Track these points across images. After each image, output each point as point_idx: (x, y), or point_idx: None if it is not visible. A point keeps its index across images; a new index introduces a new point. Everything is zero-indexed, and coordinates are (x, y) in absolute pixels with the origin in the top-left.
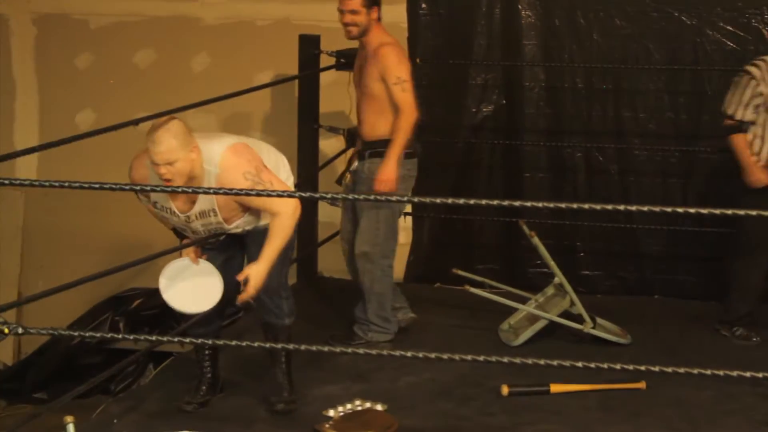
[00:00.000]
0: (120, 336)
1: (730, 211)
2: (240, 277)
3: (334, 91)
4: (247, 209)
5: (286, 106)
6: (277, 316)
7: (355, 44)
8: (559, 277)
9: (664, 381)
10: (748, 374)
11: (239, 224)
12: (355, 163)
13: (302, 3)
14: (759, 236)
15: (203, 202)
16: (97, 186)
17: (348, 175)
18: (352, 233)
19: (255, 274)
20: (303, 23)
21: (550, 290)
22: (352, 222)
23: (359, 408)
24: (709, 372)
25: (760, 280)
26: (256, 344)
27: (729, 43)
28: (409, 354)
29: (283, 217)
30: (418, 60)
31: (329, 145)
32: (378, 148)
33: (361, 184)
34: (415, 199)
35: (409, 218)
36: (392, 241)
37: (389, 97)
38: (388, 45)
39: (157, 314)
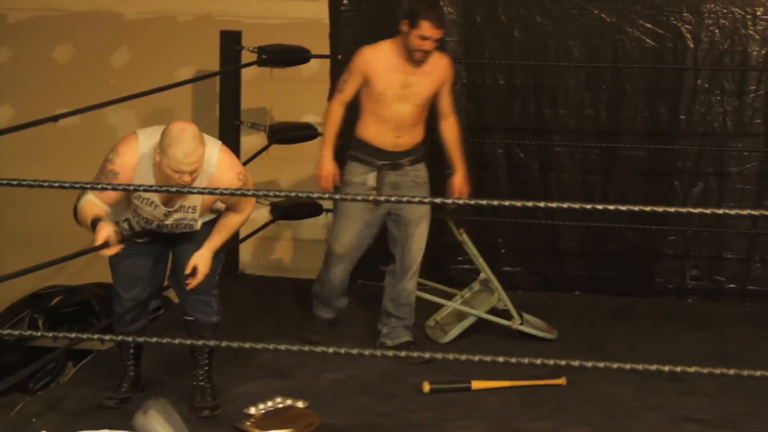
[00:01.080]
0: (39, 334)
1: (648, 208)
2: (188, 267)
3: (256, 87)
4: (220, 209)
5: (208, 103)
6: (206, 313)
7: (276, 39)
8: (487, 274)
9: (586, 377)
10: (666, 368)
11: (202, 221)
12: (390, 176)
13: None
14: None
15: (191, 199)
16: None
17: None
18: (362, 248)
19: (203, 260)
20: (224, 19)
21: (476, 286)
22: (374, 236)
23: (280, 405)
24: (628, 366)
25: None
26: (177, 341)
27: (648, 40)
28: (330, 350)
29: (243, 216)
30: (339, 56)
31: (251, 141)
32: (419, 153)
33: (415, 188)
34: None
35: (331, 215)
36: None
37: (431, 106)
38: (448, 57)
39: (77, 311)
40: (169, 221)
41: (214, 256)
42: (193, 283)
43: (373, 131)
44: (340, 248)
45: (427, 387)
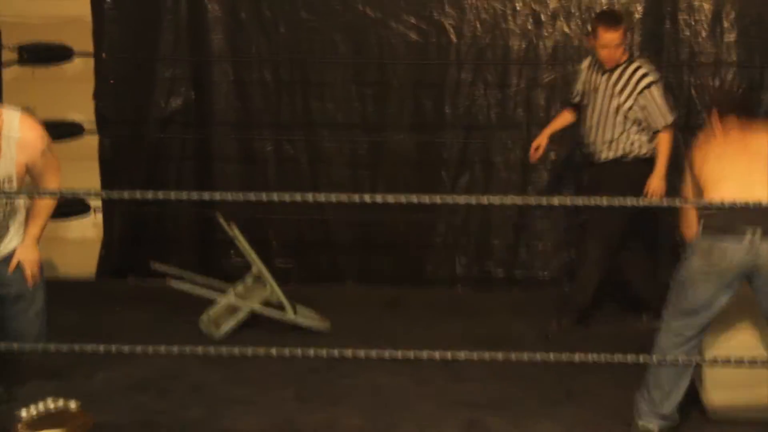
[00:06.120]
0: None
1: (415, 199)
2: (12, 266)
3: (18, 86)
4: (29, 180)
5: None
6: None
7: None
8: (258, 267)
9: (359, 367)
10: (437, 355)
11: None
12: None
13: None
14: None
15: (4, 170)
16: None
17: None
18: None
19: (30, 256)
20: None
21: (249, 280)
22: None
23: (51, 407)
24: (399, 355)
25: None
26: None
27: (412, 35)
28: (101, 348)
29: (52, 187)
30: (104, 55)
31: None
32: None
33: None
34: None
35: (99, 214)
36: None
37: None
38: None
39: None
40: None
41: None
42: (31, 280)
43: None
44: None
45: None
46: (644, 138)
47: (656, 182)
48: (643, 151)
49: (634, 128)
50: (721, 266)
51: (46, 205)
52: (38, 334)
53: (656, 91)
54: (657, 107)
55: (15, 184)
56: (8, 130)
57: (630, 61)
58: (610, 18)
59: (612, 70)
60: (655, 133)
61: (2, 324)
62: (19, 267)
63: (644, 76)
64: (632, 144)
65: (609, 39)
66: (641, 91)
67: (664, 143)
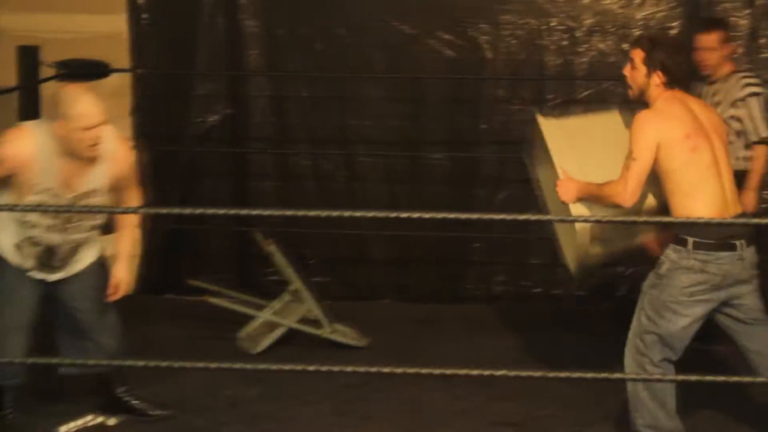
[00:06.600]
0: None
1: (453, 216)
2: (114, 286)
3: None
4: (117, 193)
5: (7, 119)
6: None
7: (75, 54)
8: (296, 284)
9: (396, 383)
10: (474, 372)
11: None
12: None
13: (20, 13)
14: None
15: (97, 179)
16: None
17: None
18: None
19: (128, 277)
20: (20, 34)
21: (286, 297)
22: None
23: (90, 423)
24: (436, 372)
25: None
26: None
27: (447, 51)
28: (140, 364)
29: (136, 202)
30: (140, 70)
31: None
32: None
33: None
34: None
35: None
36: None
37: None
38: None
39: None
40: (73, 218)
41: None
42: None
43: None
44: None
45: None
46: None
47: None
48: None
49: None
50: (715, 281)
51: (133, 220)
52: (117, 348)
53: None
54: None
55: (101, 198)
56: (104, 141)
57: (734, 72)
58: (705, 22)
59: (713, 82)
60: (751, 145)
61: (80, 341)
62: (94, 285)
63: (746, 85)
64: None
65: (704, 42)
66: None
67: (760, 157)
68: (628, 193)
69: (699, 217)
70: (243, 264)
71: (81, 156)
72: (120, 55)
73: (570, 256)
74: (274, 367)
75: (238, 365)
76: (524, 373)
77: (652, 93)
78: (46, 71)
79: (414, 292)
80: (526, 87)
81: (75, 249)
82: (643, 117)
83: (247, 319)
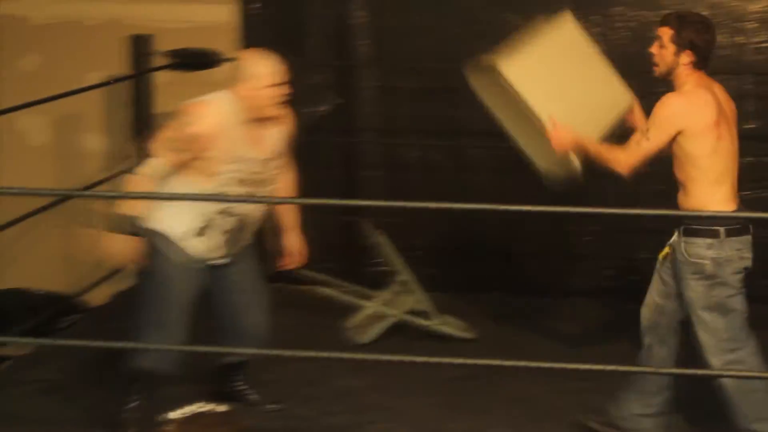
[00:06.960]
0: None
1: (561, 209)
2: (289, 255)
3: (168, 91)
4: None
5: (119, 108)
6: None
7: (186, 43)
8: (405, 275)
9: (504, 377)
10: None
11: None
12: None
13: (132, 3)
14: None
15: (277, 141)
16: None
17: None
18: None
19: (301, 246)
20: (133, 24)
21: (395, 287)
22: None
23: (201, 410)
24: (546, 366)
25: None
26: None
27: None
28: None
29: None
30: None
31: None
32: None
33: None
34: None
35: None
36: None
37: None
38: None
39: None
40: (263, 177)
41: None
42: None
43: None
44: None
45: None
46: None
47: None
48: None
49: None
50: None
51: (292, 189)
52: (268, 327)
53: None
54: None
55: (279, 162)
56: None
57: None
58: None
59: None
60: None
61: (232, 324)
62: (255, 262)
63: None
64: None
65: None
66: None
67: None
68: (628, 167)
69: (723, 208)
70: (351, 254)
71: (265, 116)
72: (231, 44)
73: (542, 161)
74: (384, 357)
75: (347, 355)
76: (634, 369)
77: (681, 72)
78: (158, 60)
79: (522, 284)
80: (635, 79)
81: (256, 222)
82: (672, 101)
83: (354, 309)
